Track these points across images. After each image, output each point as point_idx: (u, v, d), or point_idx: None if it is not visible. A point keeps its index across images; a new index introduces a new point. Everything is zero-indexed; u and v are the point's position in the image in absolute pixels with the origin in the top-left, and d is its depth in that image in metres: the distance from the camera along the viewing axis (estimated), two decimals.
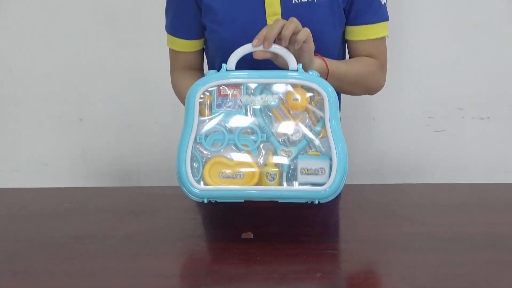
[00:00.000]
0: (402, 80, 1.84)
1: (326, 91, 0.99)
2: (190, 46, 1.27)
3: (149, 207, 1.19)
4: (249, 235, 1.03)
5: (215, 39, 1.23)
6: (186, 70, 1.29)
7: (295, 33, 1.02)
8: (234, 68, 1.02)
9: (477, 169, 1.89)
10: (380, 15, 1.23)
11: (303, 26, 1.05)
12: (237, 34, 1.19)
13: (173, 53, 1.30)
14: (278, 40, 1.03)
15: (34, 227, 1.11)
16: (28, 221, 1.14)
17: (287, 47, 1.03)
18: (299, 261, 0.93)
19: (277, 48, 1.02)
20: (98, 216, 1.15)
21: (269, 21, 1.18)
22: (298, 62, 1.04)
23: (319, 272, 0.90)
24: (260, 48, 1.02)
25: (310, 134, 0.99)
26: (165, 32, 1.29)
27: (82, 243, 1.02)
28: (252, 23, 1.18)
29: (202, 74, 1.30)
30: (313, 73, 1.01)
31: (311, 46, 1.05)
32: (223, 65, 1.02)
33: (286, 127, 1.00)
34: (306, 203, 0.99)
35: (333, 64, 1.15)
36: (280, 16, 1.18)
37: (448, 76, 1.87)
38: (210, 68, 1.29)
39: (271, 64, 1.07)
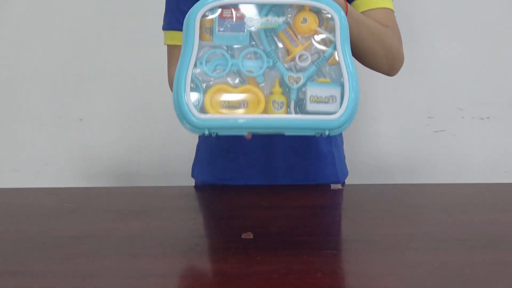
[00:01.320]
0: (402, 80, 1.84)
1: (338, 13, 0.91)
2: None
3: (149, 207, 1.19)
4: (249, 235, 1.03)
5: None
6: None
7: None
8: None
9: (477, 169, 1.89)
10: None
11: None
12: None
13: (171, 49, 1.30)
14: None
15: (34, 227, 1.11)
16: (28, 221, 1.14)
17: None
18: (299, 261, 0.93)
19: None
20: (98, 216, 1.15)
21: None
22: None
23: (319, 272, 0.90)
24: None
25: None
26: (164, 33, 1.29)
27: (82, 243, 1.02)
28: None
29: None
30: None
31: None
32: None
33: (294, 52, 0.91)
34: (315, 136, 0.91)
35: (354, 8, 1.07)
36: None
37: (448, 76, 1.87)
38: None
39: None
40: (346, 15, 1.03)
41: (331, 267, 0.93)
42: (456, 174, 1.89)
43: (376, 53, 1.15)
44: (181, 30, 1.24)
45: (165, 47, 1.32)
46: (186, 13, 1.22)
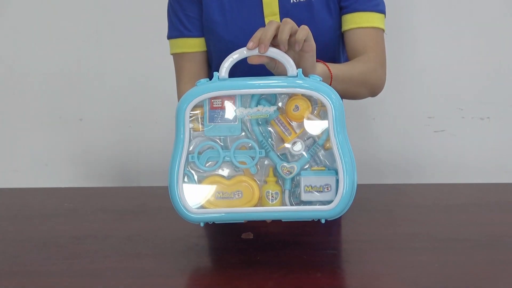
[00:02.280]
0: (402, 80, 1.84)
1: (330, 98, 0.89)
2: (199, 44, 1.25)
3: (149, 207, 1.19)
4: (249, 235, 1.03)
5: (212, 39, 1.23)
6: (194, 81, 1.26)
7: (292, 35, 0.93)
8: (227, 76, 0.92)
9: (477, 169, 1.89)
10: (374, 4, 1.21)
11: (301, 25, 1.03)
12: (235, 34, 1.19)
13: (179, 60, 1.27)
14: (276, 46, 0.93)
15: (34, 227, 1.11)
16: (28, 221, 1.14)
17: (286, 53, 0.93)
18: (299, 261, 0.93)
19: (273, 52, 0.92)
20: (98, 216, 1.15)
21: (267, 21, 1.17)
22: (299, 66, 0.95)
23: (319, 272, 0.90)
24: (255, 52, 0.91)
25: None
26: (165, 36, 1.28)
27: (82, 243, 1.02)
28: (250, 23, 1.18)
29: None
30: (314, 78, 0.91)
31: (313, 45, 0.96)
32: (215, 73, 0.91)
33: (287, 141, 0.91)
34: (312, 220, 0.92)
35: (336, 68, 1.09)
36: (278, 16, 1.17)
37: (448, 76, 1.87)
38: (211, 69, 1.27)
39: (267, 72, 0.99)
40: (331, 82, 1.05)
41: (331, 267, 0.93)
42: (456, 174, 1.89)
43: (360, 94, 1.21)
44: (188, 36, 1.24)
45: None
46: (192, 18, 1.23)
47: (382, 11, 1.23)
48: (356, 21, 1.20)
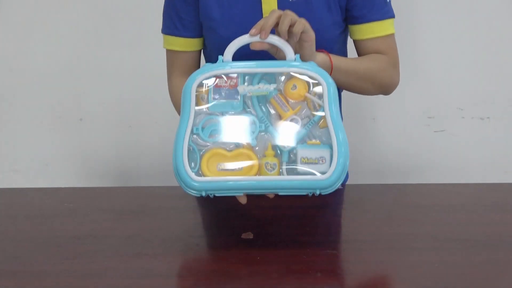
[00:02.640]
0: (402, 80, 1.83)
1: (325, 79, 0.96)
2: (190, 44, 1.27)
3: (149, 207, 1.19)
4: (249, 235, 1.03)
5: (211, 37, 1.23)
6: (185, 76, 1.27)
7: (291, 26, 0.99)
8: (230, 60, 1.00)
9: (477, 169, 1.89)
10: (386, 11, 1.23)
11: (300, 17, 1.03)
12: (234, 32, 1.19)
13: (171, 55, 1.29)
14: (276, 33, 1.01)
15: (34, 227, 1.11)
16: (28, 221, 1.14)
17: (287, 41, 1.00)
18: (299, 261, 0.93)
19: (274, 39, 1.00)
20: (98, 216, 1.15)
21: None
22: (299, 52, 1.02)
23: (319, 272, 0.90)
24: (257, 38, 0.99)
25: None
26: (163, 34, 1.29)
27: (82, 243, 1.02)
28: (248, 21, 1.18)
29: None
30: (311, 63, 0.98)
31: (311, 35, 1.02)
32: (220, 57, 1.00)
33: (284, 116, 0.97)
34: (307, 195, 0.96)
35: (338, 59, 1.13)
36: None
37: (448, 76, 1.87)
38: None
39: (268, 57, 1.05)
40: (331, 71, 1.11)
41: (331, 267, 0.93)
42: (456, 174, 1.89)
43: (367, 89, 1.24)
44: (178, 35, 1.26)
45: (164, 49, 1.32)
46: (184, 20, 1.24)
47: (393, 15, 1.25)
48: (372, 31, 1.23)
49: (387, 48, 1.24)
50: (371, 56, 1.23)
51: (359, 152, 1.88)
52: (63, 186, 1.41)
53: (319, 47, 1.10)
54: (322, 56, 1.10)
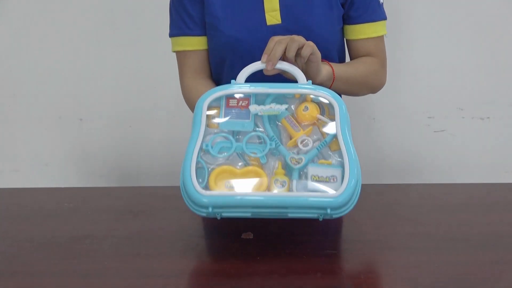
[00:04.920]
0: (402, 80, 1.84)
1: (338, 101, 0.98)
2: (202, 43, 1.25)
3: (149, 207, 1.19)
4: (249, 235, 1.03)
5: (215, 35, 1.23)
6: (197, 76, 1.27)
7: (299, 49, 1.03)
8: (243, 82, 1.02)
9: (477, 169, 1.89)
10: (379, 13, 1.26)
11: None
12: (236, 29, 1.20)
13: (183, 56, 1.28)
14: (284, 58, 1.04)
15: (34, 227, 1.11)
16: (28, 221, 1.14)
17: (294, 62, 1.04)
18: (299, 261, 0.93)
19: (285, 66, 1.03)
20: (98, 216, 1.15)
21: (268, 16, 1.19)
22: (305, 72, 1.04)
23: (319, 272, 0.90)
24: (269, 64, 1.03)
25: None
26: (167, 36, 1.28)
27: (82, 243, 1.02)
28: (251, 19, 1.19)
29: (214, 83, 1.28)
30: (322, 87, 1.00)
31: (318, 56, 1.06)
32: (232, 81, 1.02)
33: (295, 136, 0.97)
34: (318, 218, 0.92)
35: (339, 68, 1.17)
36: (278, 12, 1.19)
37: (448, 76, 1.87)
38: (212, 66, 1.28)
39: (281, 79, 1.07)
40: (333, 81, 1.14)
41: (331, 267, 0.93)
42: (456, 174, 1.89)
43: (360, 93, 1.29)
44: (190, 35, 1.25)
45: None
46: (194, 17, 1.24)
47: (386, 17, 1.28)
48: (365, 32, 1.25)
49: (377, 50, 1.27)
50: (364, 60, 1.26)
51: (359, 152, 1.88)
52: (63, 186, 1.41)
53: (320, 44, 1.10)
54: (326, 68, 1.13)
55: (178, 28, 1.26)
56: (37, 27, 1.89)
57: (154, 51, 1.80)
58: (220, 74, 1.26)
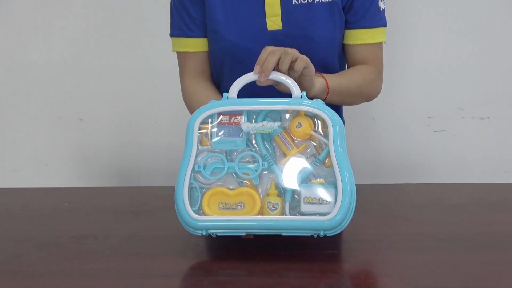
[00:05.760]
0: (402, 80, 1.84)
1: (331, 118, 0.94)
2: (203, 45, 1.25)
3: (149, 207, 1.19)
4: (249, 235, 1.03)
5: (215, 38, 1.23)
6: (198, 78, 1.26)
7: (293, 62, 1.01)
8: (235, 97, 0.99)
9: (477, 169, 1.89)
10: (378, 19, 1.23)
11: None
12: (237, 34, 1.19)
13: (183, 57, 1.27)
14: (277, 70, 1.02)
15: (34, 227, 1.11)
16: (28, 221, 1.14)
17: (288, 73, 1.02)
18: (299, 261, 0.93)
19: (279, 77, 1.00)
20: (98, 216, 1.15)
21: (269, 22, 1.18)
22: (299, 85, 1.01)
23: (319, 272, 0.90)
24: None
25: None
26: (168, 36, 1.28)
27: (82, 243, 1.02)
28: (251, 24, 1.19)
29: (214, 85, 1.27)
30: (316, 102, 0.97)
31: (312, 70, 1.04)
32: (225, 94, 1.00)
33: (288, 154, 0.95)
34: (312, 236, 0.93)
35: (333, 81, 1.14)
36: (279, 18, 1.18)
37: (448, 76, 1.87)
38: (213, 68, 1.27)
39: (273, 92, 1.05)
40: (328, 94, 1.11)
41: (331, 267, 0.93)
42: (456, 174, 1.89)
43: (356, 102, 1.26)
44: (191, 36, 1.24)
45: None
46: (195, 19, 1.23)
47: (385, 24, 1.25)
48: (362, 38, 1.23)
49: (374, 57, 1.24)
50: (360, 69, 1.23)
51: (359, 152, 1.88)
52: (63, 186, 1.41)
53: (321, 50, 1.09)
54: (319, 81, 1.10)
55: (179, 28, 1.25)
56: (37, 27, 1.89)
57: (155, 51, 1.80)
58: (221, 76, 1.26)
